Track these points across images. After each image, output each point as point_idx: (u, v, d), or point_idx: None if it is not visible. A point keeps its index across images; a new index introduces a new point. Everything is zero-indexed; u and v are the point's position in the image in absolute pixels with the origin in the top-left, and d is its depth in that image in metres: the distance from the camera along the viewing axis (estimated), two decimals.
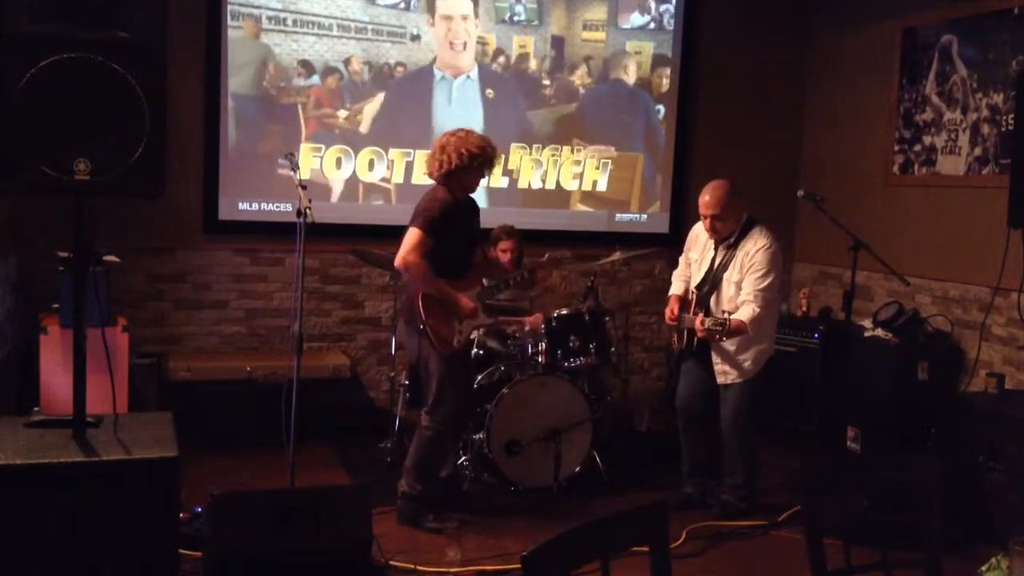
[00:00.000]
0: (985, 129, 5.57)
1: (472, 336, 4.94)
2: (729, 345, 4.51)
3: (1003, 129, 5.42)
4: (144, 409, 4.86)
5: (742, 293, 4.43)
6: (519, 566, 1.78)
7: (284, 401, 4.00)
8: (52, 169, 2.88)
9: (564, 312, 5.10)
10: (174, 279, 5.79)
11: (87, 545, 2.84)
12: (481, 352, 5.04)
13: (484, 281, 4.43)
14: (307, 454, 4.68)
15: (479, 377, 4.94)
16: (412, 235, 4.16)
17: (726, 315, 4.29)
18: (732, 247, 4.54)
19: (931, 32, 5.95)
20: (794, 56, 7.01)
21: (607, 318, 5.30)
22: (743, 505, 4.66)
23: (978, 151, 5.62)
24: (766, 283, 4.42)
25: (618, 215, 6.72)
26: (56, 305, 4.77)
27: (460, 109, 6.17)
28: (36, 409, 4.39)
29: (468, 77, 6.21)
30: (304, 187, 4.12)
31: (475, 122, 6.07)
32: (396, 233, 5.97)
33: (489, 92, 6.25)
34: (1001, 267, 4.93)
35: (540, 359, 5.01)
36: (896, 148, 6.22)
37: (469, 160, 4.22)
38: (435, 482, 4.47)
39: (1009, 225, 4.57)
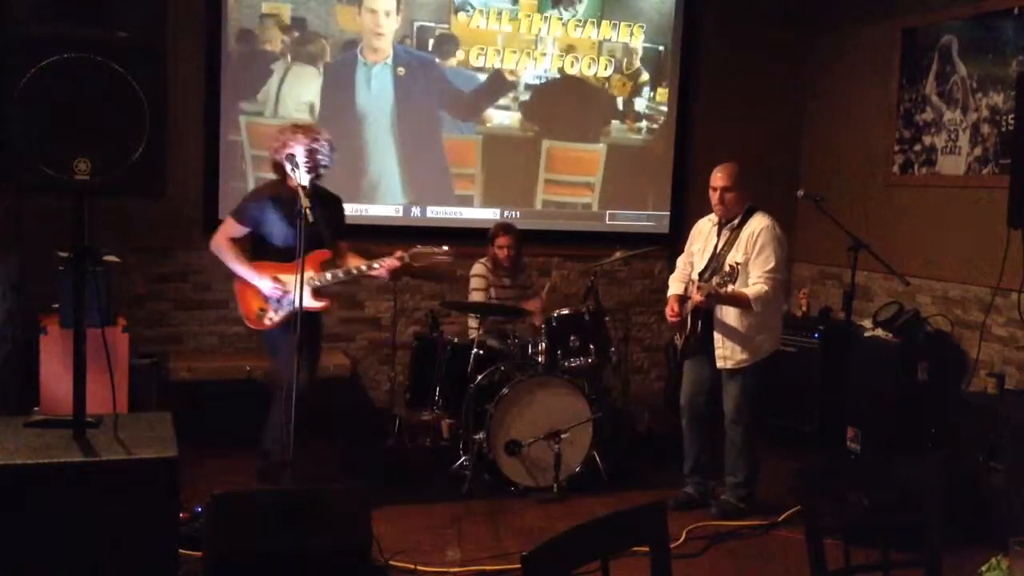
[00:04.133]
0: (985, 129, 5.57)
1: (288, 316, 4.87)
2: (733, 323, 4.51)
3: (1003, 129, 5.42)
4: (144, 409, 4.85)
5: (751, 277, 4.44)
6: (519, 566, 1.78)
7: (284, 401, 4.00)
8: (52, 169, 2.88)
9: (564, 312, 5.11)
10: (174, 279, 5.79)
11: (87, 545, 2.83)
12: (481, 352, 5.04)
13: (337, 273, 4.46)
14: (307, 454, 4.68)
15: (479, 377, 4.94)
16: (224, 221, 4.55)
17: (731, 265, 4.30)
18: (735, 230, 4.57)
19: (931, 32, 5.95)
20: (794, 56, 7.01)
21: (607, 318, 5.30)
22: (743, 505, 4.66)
23: (978, 151, 5.62)
24: (773, 263, 4.44)
25: (617, 215, 6.73)
26: (56, 305, 4.76)
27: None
28: (36, 409, 4.40)
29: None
30: (304, 187, 4.12)
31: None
32: (397, 233, 6.04)
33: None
34: (1001, 267, 4.93)
35: (540, 359, 5.02)
36: (896, 148, 6.22)
37: (281, 150, 4.38)
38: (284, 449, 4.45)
39: (1009, 225, 4.56)
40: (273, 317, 4.43)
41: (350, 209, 6.00)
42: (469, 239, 5.96)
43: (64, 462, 2.83)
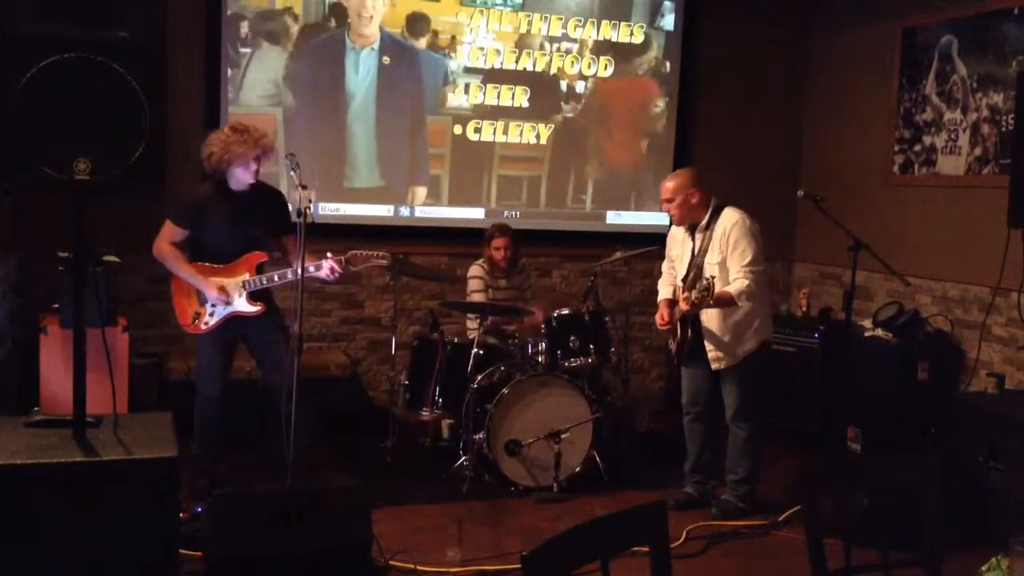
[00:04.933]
0: (985, 129, 5.57)
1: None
2: (719, 328, 4.51)
3: (1003, 129, 5.42)
4: (144, 409, 4.85)
5: (731, 273, 4.44)
6: (519, 566, 1.78)
7: (284, 401, 4.00)
8: (52, 169, 2.88)
9: (564, 312, 5.11)
10: None
11: (87, 545, 2.83)
12: (481, 352, 5.04)
13: (272, 276, 4.39)
14: (307, 454, 4.68)
15: (479, 377, 4.94)
16: (164, 224, 4.42)
17: (707, 280, 4.30)
18: (706, 230, 4.57)
19: (931, 32, 5.95)
20: (794, 56, 7.01)
21: (607, 318, 5.30)
22: (743, 504, 4.66)
23: (978, 151, 5.62)
24: (750, 256, 4.43)
25: (617, 214, 6.73)
26: (56, 305, 4.76)
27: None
28: (36, 409, 4.40)
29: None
30: (304, 187, 4.12)
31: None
32: (396, 233, 6.04)
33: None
34: (1001, 267, 4.93)
35: (540, 359, 5.02)
36: (896, 148, 6.22)
37: (219, 157, 4.32)
38: (212, 452, 4.58)
39: (1009, 225, 4.57)
40: (209, 322, 4.40)
41: (354, 210, 6.07)
42: (468, 239, 5.97)
43: (64, 462, 2.83)
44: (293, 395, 3.93)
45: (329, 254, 4.40)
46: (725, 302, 4.39)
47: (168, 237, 4.39)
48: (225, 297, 4.36)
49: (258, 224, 4.38)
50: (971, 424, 4.61)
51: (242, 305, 4.39)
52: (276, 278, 4.38)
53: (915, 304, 5.89)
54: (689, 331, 4.59)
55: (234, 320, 4.41)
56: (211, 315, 4.40)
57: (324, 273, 4.39)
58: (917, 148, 6.06)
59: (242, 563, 3.30)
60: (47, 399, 4.60)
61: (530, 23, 6.33)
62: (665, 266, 4.93)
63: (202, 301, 4.41)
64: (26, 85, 2.83)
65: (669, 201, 4.58)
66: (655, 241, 6.32)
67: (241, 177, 4.35)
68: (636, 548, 2.01)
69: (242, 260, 4.40)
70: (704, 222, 4.57)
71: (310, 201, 4.01)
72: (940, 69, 5.90)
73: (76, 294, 3.08)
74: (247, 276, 4.39)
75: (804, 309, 6.59)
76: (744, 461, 4.67)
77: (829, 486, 2.49)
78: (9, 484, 2.76)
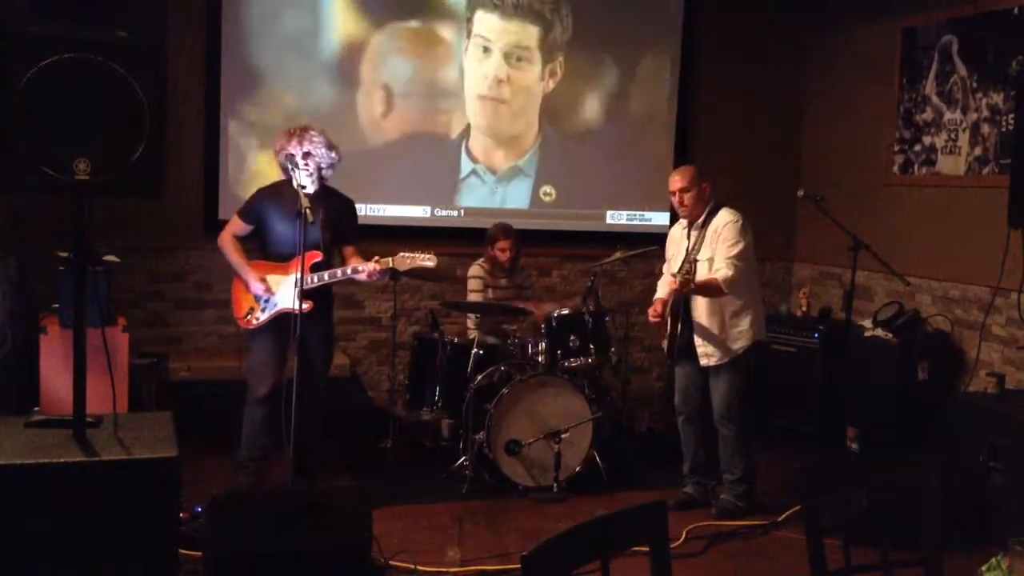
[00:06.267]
0: (985, 129, 5.57)
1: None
2: (708, 321, 4.53)
3: (1003, 129, 5.42)
4: (144, 409, 4.86)
5: (716, 263, 4.48)
6: (519, 566, 1.78)
7: (284, 401, 4.00)
8: (52, 169, 2.88)
9: (564, 312, 5.11)
10: (174, 279, 5.79)
11: (87, 545, 2.83)
12: (481, 352, 5.04)
13: (323, 275, 4.39)
14: (318, 455, 4.69)
15: (479, 377, 4.94)
16: (231, 218, 4.57)
17: (689, 264, 4.39)
18: (701, 229, 4.60)
19: (931, 32, 5.95)
20: (794, 56, 7.01)
21: (607, 318, 5.30)
22: (742, 504, 4.67)
23: (978, 151, 5.62)
24: (737, 250, 4.46)
25: (617, 215, 6.73)
26: (56, 305, 4.76)
27: None
28: (36, 409, 4.40)
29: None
30: (303, 187, 4.13)
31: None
32: (396, 233, 6.04)
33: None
34: (1001, 267, 4.93)
35: (540, 359, 5.02)
36: (896, 148, 6.22)
37: (276, 151, 4.40)
38: (258, 456, 4.52)
39: (1009, 225, 4.57)
40: (260, 317, 4.44)
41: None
42: (469, 239, 5.97)
43: (64, 462, 2.83)
44: (294, 395, 3.93)
45: (377, 257, 4.41)
46: (711, 288, 4.43)
47: (232, 230, 4.52)
48: (266, 287, 4.40)
49: (320, 227, 4.31)
50: (971, 424, 4.61)
51: (292, 301, 4.36)
52: (327, 276, 4.40)
53: (915, 304, 5.89)
54: (679, 325, 4.60)
55: (285, 319, 4.37)
56: (262, 311, 4.44)
57: (362, 276, 4.42)
58: (917, 148, 6.07)
59: (242, 563, 3.30)
60: (47, 399, 4.60)
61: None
62: (665, 268, 4.94)
63: (256, 296, 4.45)
64: (26, 85, 2.83)
65: (685, 190, 4.57)
66: (655, 241, 6.32)
67: (297, 175, 4.35)
68: (636, 548, 2.01)
69: (297, 259, 4.40)
70: (701, 220, 4.60)
71: (310, 200, 4.01)
72: (940, 69, 5.90)
73: (76, 294, 3.08)
74: (299, 274, 4.38)
75: (804, 309, 6.58)
76: (738, 460, 4.68)
77: (829, 486, 2.49)
78: (9, 484, 2.76)
